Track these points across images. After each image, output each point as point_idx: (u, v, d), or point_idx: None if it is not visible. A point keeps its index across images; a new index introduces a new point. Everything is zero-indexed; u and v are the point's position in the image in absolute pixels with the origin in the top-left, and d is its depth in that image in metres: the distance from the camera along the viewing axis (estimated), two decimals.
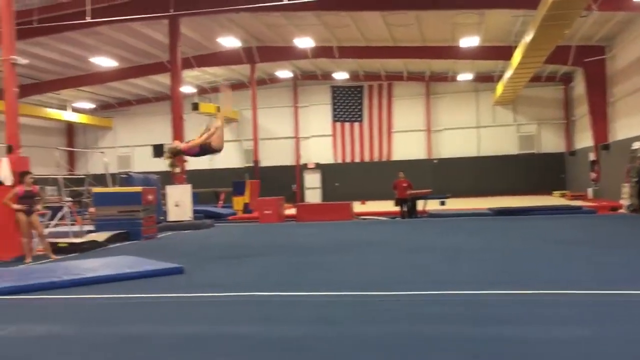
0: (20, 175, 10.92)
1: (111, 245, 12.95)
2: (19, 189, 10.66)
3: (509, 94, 27.57)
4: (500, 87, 27.02)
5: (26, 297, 6.97)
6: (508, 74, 23.71)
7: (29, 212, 10.64)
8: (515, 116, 30.75)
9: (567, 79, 29.17)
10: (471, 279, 7.00)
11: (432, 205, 19.30)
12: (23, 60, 12.03)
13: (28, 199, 10.68)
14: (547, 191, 28.26)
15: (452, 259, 8.81)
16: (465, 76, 29.28)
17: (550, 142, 30.26)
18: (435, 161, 31.04)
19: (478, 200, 25.39)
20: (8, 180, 11.10)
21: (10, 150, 11.45)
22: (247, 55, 26.34)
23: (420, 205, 18.42)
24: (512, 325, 4.80)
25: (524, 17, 19.55)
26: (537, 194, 27.96)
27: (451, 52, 24.43)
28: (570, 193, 26.14)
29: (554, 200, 24.73)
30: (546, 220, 15.54)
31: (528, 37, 17.87)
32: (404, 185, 17.76)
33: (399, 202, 18.11)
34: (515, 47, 21.29)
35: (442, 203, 20.08)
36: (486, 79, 29.73)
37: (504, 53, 23.16)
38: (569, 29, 16.92)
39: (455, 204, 20.74)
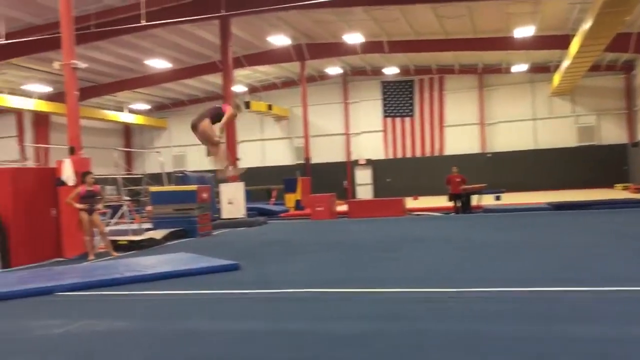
0: (82, 175, 11.31)
1: (168, 243, 13.26)
2: (82, 189, 11.04)
3: (567, 85, 26.66)
4: (557, 78, 26.16)
5: (90, 293, 7.21)
6: (565, 64, 22.92)
7: (90, 211, 11.01)
8: (573, 107, 29.69)
9: (628, 67, 27.95)
10: (534, 276, 6.77)
11: (487, 200, 18.88)
12: (82, 65, 12.41)
13: (90, 199, 11.05)
14: (609, 184, 27.17)
15: (512, 256, 8.58)
16: (520, 67, 28.47)
17: (611, 133, 29.06)
18: (489, 155, 30.35)
19: (535, 194, 24.67)
20: (71, 180, 11.51)
21: (72, 151, 11.85)
22: (297, 53, 26.44)
23: (474, 200, 18.05)
24: (581, 324, 4.62)
25: (582, 5, 18.83)
26: (597, 187, 26.90)
27: (505, 42, 23.80)
28: (634, 185, 25.01)
29: (616, 193, 23.73)
30: (609, 214, 14.92)
31: (586, 25, 17.21)
32: (458, 180, 17.45)
33: (452, 198, 17.81)
34: (573, 35, 20.54)
35: (498, 198, 19.60)
36: (542, 70, 28.82)
37: (561, 42, 22.39)
38: (630, 15, 16.19)
39: (511, 199, 20.21)
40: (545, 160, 29.15)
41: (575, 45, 19.86)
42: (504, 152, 30.10)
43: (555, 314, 4.95)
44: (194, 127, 8.66)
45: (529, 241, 10.25)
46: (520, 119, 30.23)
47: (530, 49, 24.29)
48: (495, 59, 28.32)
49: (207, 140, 8.73)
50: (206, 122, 8.55)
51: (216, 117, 8.70)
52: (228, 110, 8.76)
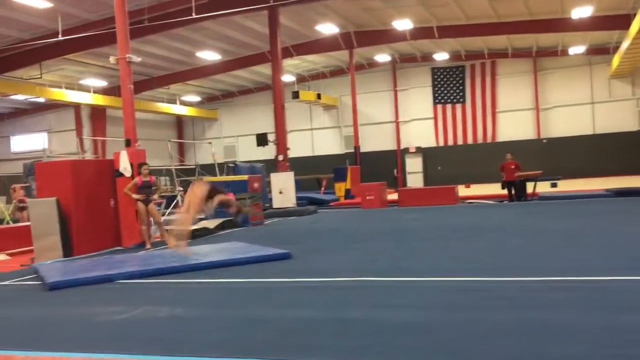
0: (138, 166, 11.60)
1: (220, 232, 13.48)
2: (138, 180, 11.33)
3: (627, 66, 25.50)
4: (616, 59, 25.06)
5: (148, 281, 7.40)
6: (625, 45, 21.91)
7: (147, 202, 11.29)
8: (634, 90, 28.40)
9: None
10: (595, 265, 6.53)
11: (542, 187, 18.34)
12: (137, 58, 12.69)
13: (146, 189, 11.33)
14: None
15: (571, 243, 8.30)
16: (576, 49, 27.42)
17: None
18: (544, 141, 29.45)
19: (593, 181, 23.83)
20: (127, 172, 11.82)
21: (128, 143, 12.17)
22: (345, 41, 26.27)
23: (529, 187, 17.56)
24: None
25: None
26: None
27: (561, 24, 22.96)
28: None
29: None
30: None
31: None
32: (512, 167, 16.97)
33: (506, 185, 17.35)
34: (634, 15, 19.58)
35: (554, 185, 19.03)
36: (601, 51, 27.68)
37: (621, 22, 21.42)
38: None
39: (567, 186, 19.59)
40: (604, 145, 28.03)
41: (636, 25, 18.94)
42: (560, 137, 29.13)
43: (615, 304, 4.75)
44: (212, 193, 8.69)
45: (587, 229, 9.91)
46: (578, 103, 29.18)
47: (588, 30, 23.34)
48: (551, 42, 27.39)
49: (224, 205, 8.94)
50: (221, 196, 8.73)
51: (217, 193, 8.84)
52: (231, 197, 9.08)
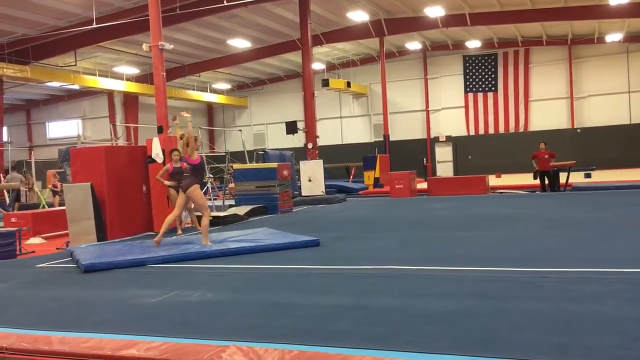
0: (170, 153, 11.75)
1: (250, 219, 13.59)
2: (170, 166, 11.47)
3: None
4: None
5: (180, 265, 7.53)
6: None
7: (178, 188, 11.43)
8: None
9: None
10: (629, 257, 6.39)
11: (576, 178, 18.00)
12: (169, 46, 12.81)
13: (177, 175, 11.46)
14: None
15: (606, 235, 8.15)
16: (614, 37, 26.72)
17: None
18: (578, 131, 28.84)
19: (629, 171, 23.26)
20: (159, 158, 11.99)
21: (160, 130, 12.33)
22: (376, 29, 26.06)
23: (562, 177, 17.24)
24: None
25: None
26: None
27: (598, 11, 22.38)
28: None
29: None
30: None
31: None
32: (546, 156, 16.60)
33: (540, 175, 16.97)
34: None
35: (587, 175, 18.68)
36: (639, 39, 26.91)
37: None
38: None
39: (602, 176, 19.19)
40: None
41: None
42: (595, 127, 28.51)
43: None
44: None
45: (621, 220, 9.70)
46: (614, 92, 28.46)
47: (626, 17, 22.72)
48: (587, 29, 26.73)
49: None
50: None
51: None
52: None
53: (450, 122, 31.57)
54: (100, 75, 26.73)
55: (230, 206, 15.37)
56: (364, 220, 12.38)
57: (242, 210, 14.05)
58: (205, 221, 8.81)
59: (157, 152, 12.03)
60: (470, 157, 30.68)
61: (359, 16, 23.70)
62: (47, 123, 34.55)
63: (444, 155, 31.96)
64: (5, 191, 19.09)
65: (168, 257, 7.84)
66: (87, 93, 31.37)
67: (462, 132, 31.39)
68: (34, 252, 10.08)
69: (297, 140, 25.10)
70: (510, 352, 3.51)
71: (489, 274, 5.89)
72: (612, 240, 7.71)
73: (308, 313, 4.78)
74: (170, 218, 9.17)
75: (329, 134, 31.36)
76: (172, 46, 13.57)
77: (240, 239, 9.06)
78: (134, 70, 28.08)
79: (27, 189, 20.38)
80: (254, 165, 17.79)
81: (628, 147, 27.31)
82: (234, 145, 31.30)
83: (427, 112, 32.19)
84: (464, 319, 4.31)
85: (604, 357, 3.36)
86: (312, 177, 19.11)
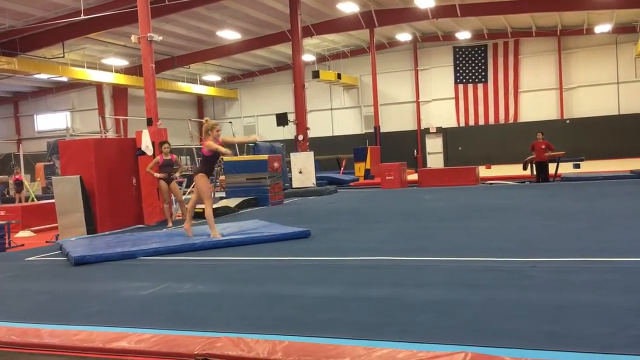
0: (159, 145, 11.69)
1: (241, 211, 13.56)
2: (160, 158, 11.42)
3: None
4: None
5: (170, 258, 7.49)
6: None
7: (168, 180, 11.39)
8: None
9: None
10: (621, 247, 6.43)
11: (565, 168, 18.09)
12: (157, 37, 12.70)
13: (167, 167, 11.42)
14: None
15: (595, 225, 8.20)
16: (602, 28, 26.82)
17: None
18: (567, 121, 28.99)
19: (617, 162, 23.42)
20: (149, 150, 11.93)
21: (150, 122, 12.25)
22: (366, 20, 25.98)
23: (552, 168, 17.30)
24: None
25: None
26: None
27: (587, 2, 22.51)
28: None
29: None
30: None
31: None
32: (543, 146, 16.50)
33: (536, 165, 16.79)
34: None
35: (577, 166, 18.77)
36: (627, 30, 27.06)
37: None
38: None
39: (591, 167, 19.30)
40: (629, 126, 27.52)
41: None
42: (584, 118, 28.68)
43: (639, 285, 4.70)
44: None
45: (611, 210, 9.77)
46: (603, 83, 28.61)
47: (614, 8, 22.82)
48: (576, 20, 26.82)
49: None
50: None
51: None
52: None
53: (440, 114, 31.62)
54: (88, 67, 26.48)
55: (221, 198, 15.32)
56: (355, 211, 12.38)
57: (232, 202, 14.01)
58: (207, 211, 8.55)
59: (146, 145, 11.96)
60: (460, 148, 30.77)
61: (349, 7, 23.62)
62: (35, 115, 34.23)
63: (434, 146, 32.03)
64: None
65: (159, 249, 7.81)
66: (76, 85, 31.08)
67: (452, 123, 31.45)
68: (23, 245, 10.02)
69: (288, 132, 25.04)
70: (501, 340, 3.53)
71: (480, 264, 5.92)
72: (602, 230, 7.76)
73: (299, 304, 4.77)
74: (191, 205, 9.04)
75: (319, 126, 31.31)
76: (161, 38, 13.45)
77: (231, 231, 9.03)
78: (122, 62, 27.84)
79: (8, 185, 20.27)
80: (245, 157, 17.72)
81: (617, 137, 27.50)
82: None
83: (418, 103, 32.22)
84: (455, 309, 4.32)
85: (595, 346, 3.38)
86: (303, 169, 19.09)
